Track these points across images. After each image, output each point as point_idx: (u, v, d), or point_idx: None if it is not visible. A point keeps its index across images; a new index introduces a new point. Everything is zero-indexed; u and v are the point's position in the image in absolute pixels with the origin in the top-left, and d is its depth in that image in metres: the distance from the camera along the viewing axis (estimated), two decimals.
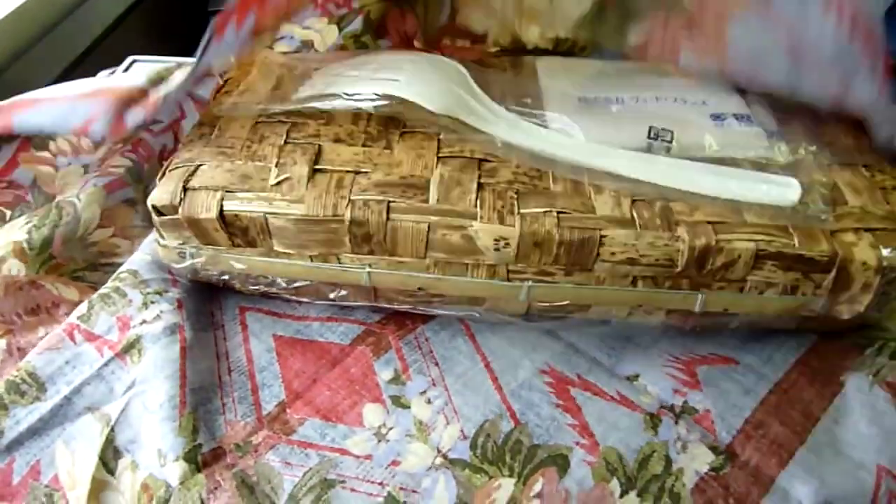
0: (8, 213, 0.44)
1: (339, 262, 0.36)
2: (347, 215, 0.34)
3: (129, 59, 0.62)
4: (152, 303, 0.39)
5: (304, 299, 0.40)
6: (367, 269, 0.36)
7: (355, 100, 0.38)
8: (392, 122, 0.39)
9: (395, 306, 0.39)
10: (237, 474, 0.33)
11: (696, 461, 0.34)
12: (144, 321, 0.38)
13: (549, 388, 0.37)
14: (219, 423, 0.36)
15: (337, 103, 0.38)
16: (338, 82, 0.39)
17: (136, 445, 0.34)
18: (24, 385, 0.36)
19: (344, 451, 0.35)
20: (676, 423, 0.36)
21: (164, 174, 0.36)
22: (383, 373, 0.38)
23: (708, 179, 0.36)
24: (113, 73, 0.61)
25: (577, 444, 0.35)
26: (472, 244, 0.34)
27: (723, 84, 0.42)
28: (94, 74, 0.62)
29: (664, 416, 0.36)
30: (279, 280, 0.38)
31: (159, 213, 0.35)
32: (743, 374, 0.38)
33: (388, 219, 0.34)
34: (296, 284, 0.38)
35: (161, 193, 0.35)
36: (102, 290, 0.39)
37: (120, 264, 0.43)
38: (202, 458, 0.34)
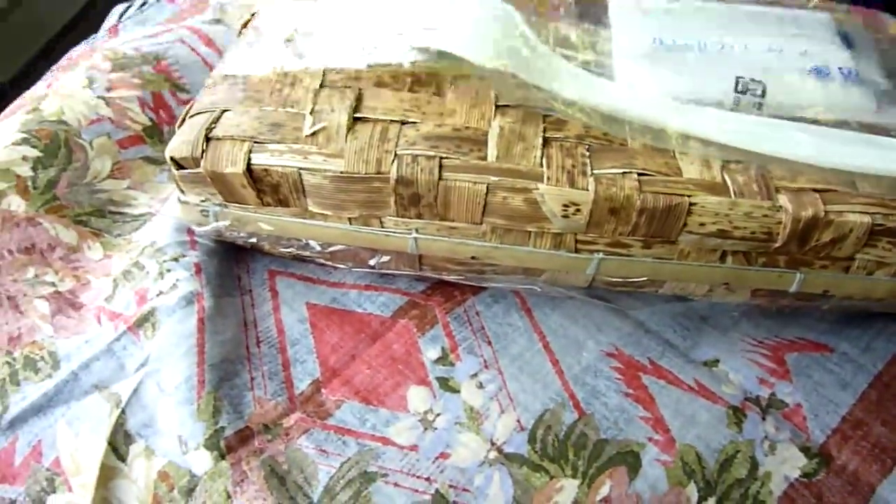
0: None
1: (382, 226, 0.31)
2: (393, 173, 0.29)
3: None
4: (168, 271, 0.35)
5: (341, 265, 0.36)
6: (414, 235, 0.31)
7: (386, 58, 0.32)
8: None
9: (443, 276, 0.35)
10: (265, 462, 0.30)
11: (785, 465, 0.30)
12: (161, 292, 0.34)
13: (617, 374, 0.32)
14: (247, 400, 0.32)
15: (366, 60, 0.33)
16: (365, 32, 0.34)
17: (150, 430, 0.31)
18: (42, 362, 0.33)
19: (386, 441, 0.31)
20: (763, 419, 0.31)
21: (183, 121, 0.32)
22: (429, 351, 0.33)
23: (809, 142, 0.30)
24: (130, 6, 0.56)
25: (650, 439, 0.31)
26: (536, 209, 0.29)
27: (827, 31, 0.36)
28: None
29: (749, 410, 0.32)
30: (313, 243, 0.33)
31: (179, 165, 0.31)
32: (839, 363, 0.33)
33: (440, 178, 0.29)
34: (332, 248, 0.33)
35: (180, 144, 0.30)
36: (126, 266, 0.36)
37: (134, 215, 0.40)
38: (226, 442, 0.30)
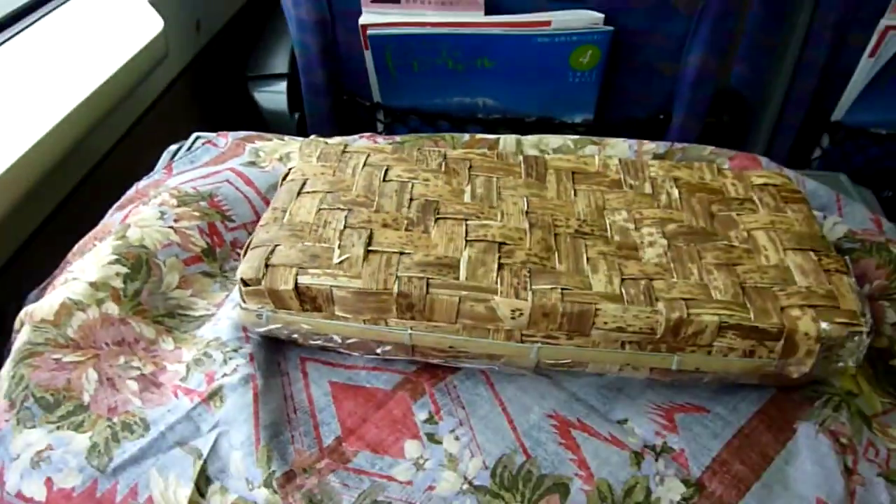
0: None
1: (387, 325, 0.45)
2: (395, 289, 0.43)
3: (194, 135, 0.71)
4: (230, 359, 0.48)
5: (355, 353, 0.49)
6: (409, 331, 0.44)
7: None
8: (428, 208, 0.48)
9: (430, 360, 0.48)
10: (305, 494, 0.42)
11: (671, 492, 0.42)
12: (225, 374, 0.47)
13: (554, 430, 0.45)
14: (289, 451, 0.44)
15: None
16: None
17: (224, 474, 0.43)
18: (135, 426, 0.45)
19: (390, 478, 0.43)
20: (657, 460, 0.44)
21: (246, 251, 0.46)
22: (420, 414, 0.46)
23: None
24: (180, 147, 0.70)
25: (576, 475, 0.43)
26: (493, 314, 0.43)
27: None
28: (150, 140, 0.72)
29: (646, 454, 0.44)
30: (335, 337, 0.47)
31: (245, 283, 0.44)
32: (712, 420, 0.46)
33: (427, 293, 0.42)
34: (349, 341, 0.47)
35: (248, 268, 0.44)
36: (196, 355, 0.49)
37: (196, 316, 0.53)
38: (277, 482, 0.42)
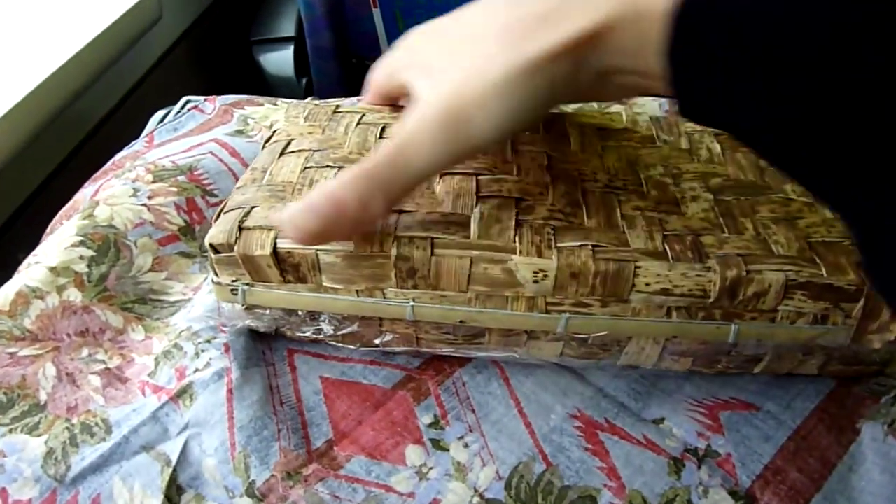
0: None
1: (385, 297, 0.37)
2: (393, 252, 0.35)
3: (183, 99, 0.65)
4: (203, 351, 0.41)
5: (351, 346, 0.42)
6: (411, 303, 0.37)
7: None
8: None
9: (437, 350, 0.41)
10: None
11: None
12: (197, 369, 0.40)
13: (578, 433, 0.38)
14: (273, 450, 0.37)
15: None
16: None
17: (198, 482, 0.37)
18: (96, 427, 0.39)
19: (388, 488, 0.36)
20: (699, 467, 0.37)
21: (219, 216, 0.39)
22: (423, 417, 0.39)
23: None
24: (168, 112, 0.64)
25: (605, 486, 0.36)
26: (511, 277, 0.35)
27: None
28: (146, 110, 0.66)
29: (687, 460, 0.37)
30: (326, 328, 0.40)
31: (216, 251, 0.37)
32: (763, 419, 0.39)
33: (432, 254, 0.35)
34: (343, 332, 0.40)
35: (217, 232, 0.37)
36: (166, 347, 0.42)
37: (171, 301, 0.46)
38: (258, 492, 0.36)
